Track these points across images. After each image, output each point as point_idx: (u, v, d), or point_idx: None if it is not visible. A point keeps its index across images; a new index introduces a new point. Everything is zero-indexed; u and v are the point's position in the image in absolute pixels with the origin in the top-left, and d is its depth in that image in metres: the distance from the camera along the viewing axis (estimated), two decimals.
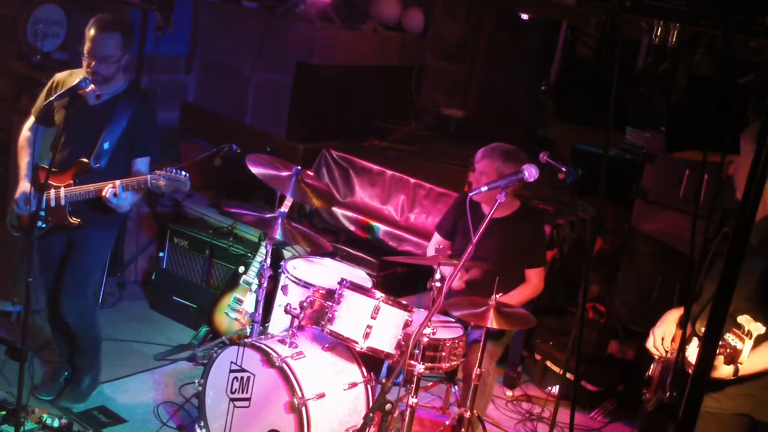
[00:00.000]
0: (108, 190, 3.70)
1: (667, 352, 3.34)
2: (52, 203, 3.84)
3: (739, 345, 2.78)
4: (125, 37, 3.83)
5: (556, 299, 5.48)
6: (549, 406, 4.87)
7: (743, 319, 2.80)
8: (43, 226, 3.87)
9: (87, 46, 3.78)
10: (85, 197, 3.81)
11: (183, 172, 3.71)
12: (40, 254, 4.03)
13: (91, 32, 3.77)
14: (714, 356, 1.86)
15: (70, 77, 3.92)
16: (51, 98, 3.83)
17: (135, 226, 5.76)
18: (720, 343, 2.83)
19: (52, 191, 3.84)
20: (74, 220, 3.87)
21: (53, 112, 3.96)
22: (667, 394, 3.25)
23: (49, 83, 4.01)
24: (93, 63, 3.77)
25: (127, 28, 3.91)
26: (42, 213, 3.85)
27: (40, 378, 4.32)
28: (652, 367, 3.48)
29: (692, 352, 3.07)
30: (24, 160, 3.99)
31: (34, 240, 3.55)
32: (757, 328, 2.76)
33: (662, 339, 3.35)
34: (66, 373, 4.30)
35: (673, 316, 3.40)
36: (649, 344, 3.38)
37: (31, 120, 4.08)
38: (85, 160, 3.83)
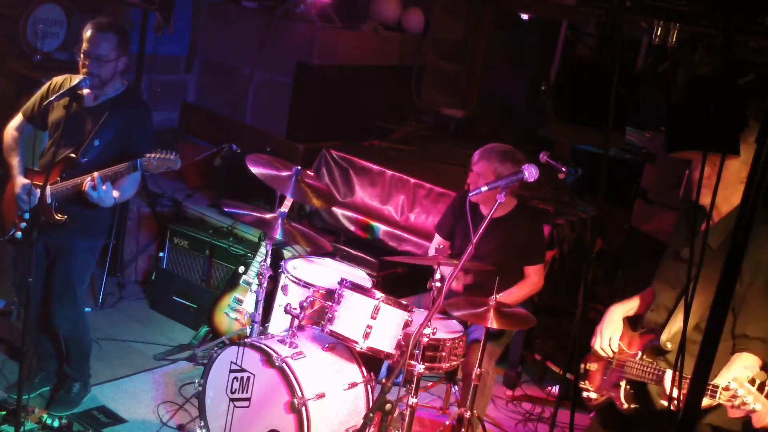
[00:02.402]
0: (87, 183, 3.66)
1: (615, 353, 3.27)
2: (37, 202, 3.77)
3: (758, 407, 2.69)
4: (120, 39, 3.84)
5: (556, 299, 5.48)
6: (549, 406, 4.88)
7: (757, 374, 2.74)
8: (24, 226, 3.85)
9: (83, 46, 3.82)
10: (68, 192, 3.77)
11: (173, 152, 3.67)
12: (25, 262, 3.97)
13: (87, 33, 3.82)
14: (713, 360, 1.84)
15: (67, 80, 3.93)
16: (51, 98, 3.83)
17: (135, 226, 5.76)
18: (729, 393, 2.73)
19: (39, 191, 3.82)
20: (60, 217, 3.81)
21: (48, 114, 3.95)
22: (626, 405, 3.17)
23: (46, 85, 4.00)
24: (87, 62, 3.79)
25: (123, 32, 3.91)
26: (27, 215, 3.83)
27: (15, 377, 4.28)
28: (590, 361, 3.41)
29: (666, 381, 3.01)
30: (15, 159, 3.98)
31: (34, 241, 3.52)
32: None
33: (610, 339, 3.30)
34: (39, 376, 4.27)
35: (619, 312, 3.36)
36: (597, 345, 3.32)
37: (19, 119, 4.06)
38: (73, 155, 3.81)
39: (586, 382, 3.40)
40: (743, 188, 2.74)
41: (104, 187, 3.68)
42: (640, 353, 3.19)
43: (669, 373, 2.93)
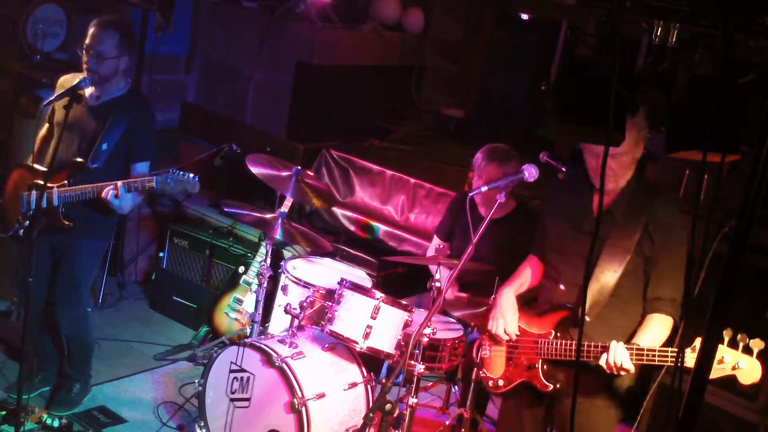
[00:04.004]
0: (109, 191, 3.66)
1: (518, 336, 3.23)
2: (44, 204, 3.74)
3: (742, 364, 2.67)
4: (122, 38, 3.84)
5: None
6: None
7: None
8: (26, 224, 3.85)
9: (86, 41, 3.83)
10: (82, 198, 3.75)
11: (192, 175, 3.65)
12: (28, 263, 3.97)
13: (91, 29, 3.84)
14: (714, 353, 1.84)
15: (74, 80, 3.93)
16: (50, 99, 3.83)
17: (135, 226, 5.76)
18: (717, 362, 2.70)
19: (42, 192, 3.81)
20: (67, 223, 3.81)
21: (53, 113, 3.95)
22: (550, 387, 3.14)
23: (57, 86, 4.01)
24: (87, 58, 3.80)
25: (127, 31, 3.92)
26: (29, 214, 3.84)
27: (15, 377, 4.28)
28: (483, 348, 3.35)
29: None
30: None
31: (34, 241, 3.52)
32: (757, 344, 2.68)
33: (511, 322, 3.24)
34: (39, 375, 4.27)
35: (512, 293, 3.31)
36: (499, 330, 3.24)
37: (45, 127, 4.08)
38: (81, 160, 3.80)
39: (485, 370, 3.34)
40: (635, 164, 3.06)
41: (126, 196, 3.70)
42: (553, 332, 3.14)
43: (614, 344, 2.90)
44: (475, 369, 3.45)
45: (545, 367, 3.16)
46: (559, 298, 3.20)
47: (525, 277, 3.42)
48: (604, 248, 3.08)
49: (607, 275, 3.06)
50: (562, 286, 3.20)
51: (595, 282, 3.08)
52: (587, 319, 3.07)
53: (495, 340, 3.30)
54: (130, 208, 3.82)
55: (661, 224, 3.05)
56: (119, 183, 3.66)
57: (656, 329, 3.03)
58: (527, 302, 3.40)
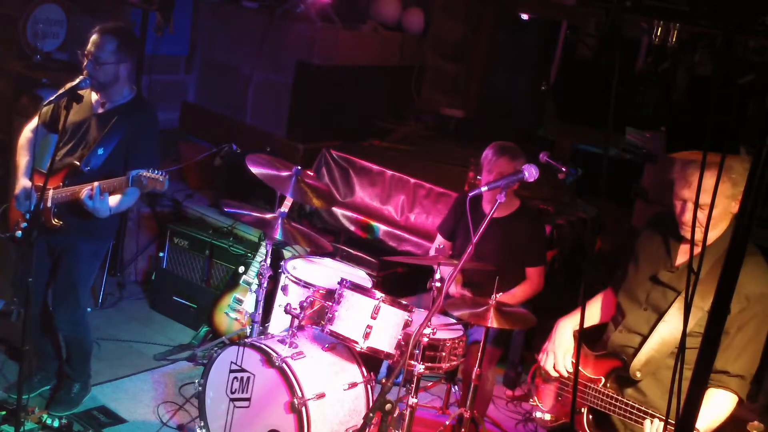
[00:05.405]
0: (84, 191, 3.67)
1: (570, 373, 3.09)
2: (41, 205, 3.74)
3: None
4: (121, 44, 3.83)
5: (555, 299, 5.47)
6: None
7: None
8: (25, 225, 3.85)
9: (86, 47, 3.84)
10: (68, 199, 3.76)
11: (162, 172, 3.67)
12: (25, 262, 3.95)
13: (92, 35, 3.85)
14: (713, 361, 1.82)
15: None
16: (50, 99, 3.83)
17: (135, 226, 5.76)
18: None
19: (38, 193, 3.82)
20: (56, 222, 3.81)
21: (58, 117, 3.96)
22: None
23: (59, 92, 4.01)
24: (86, 63, 3.81)
25: (127, 38, 3.92)
26: (27, 215, 3.83)
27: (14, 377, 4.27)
28: (537, 379, 3.23)
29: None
30: (23, 159, 3.98)
31: (33, 242, 3.52)
32: None
33: (563, 359, 3.10)
34: (39, 375, 4.27)
35: (569, 328, 3.15)
36: (549, 365, 3.12)
37: (35, 121, 4.08)
38: (77, 163, 3.81)
39: (536, 398, 3.23)
40: (730, 218, 2.79)
41: (101, 197, 3.68)
42: (603, 379, 2.99)
43: (651, 423, 2.71)
44: (530, 397, 3.31)
45: (590, 416, 2.97)
46: (614, 344, 3.05)
47: (590, 312, 3.23)
48: (675, 302, 2.87)
49: (671, 331, 2.84)
50: (620, 330, 3.03)
51: (656, 335, 2.87)
52: (638, 375, 2.89)
53: (547, 374, 3.18)
54: (108, 212, 3.75)
55: (742, 293, 2.72)
56: (95, 184, 3.66)
57: (716, 407, 2.75)
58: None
